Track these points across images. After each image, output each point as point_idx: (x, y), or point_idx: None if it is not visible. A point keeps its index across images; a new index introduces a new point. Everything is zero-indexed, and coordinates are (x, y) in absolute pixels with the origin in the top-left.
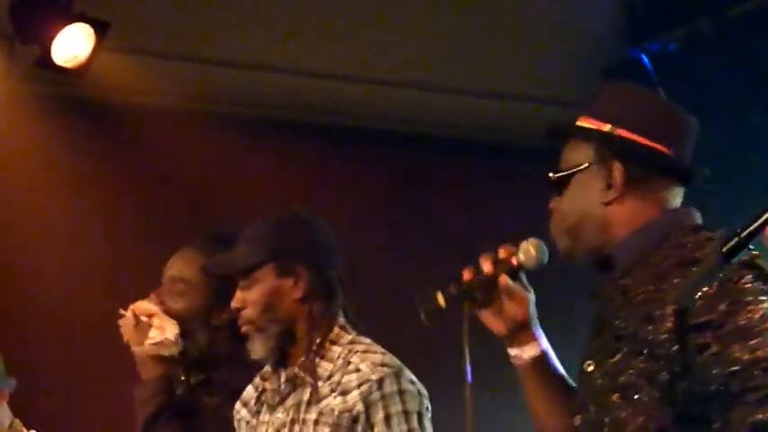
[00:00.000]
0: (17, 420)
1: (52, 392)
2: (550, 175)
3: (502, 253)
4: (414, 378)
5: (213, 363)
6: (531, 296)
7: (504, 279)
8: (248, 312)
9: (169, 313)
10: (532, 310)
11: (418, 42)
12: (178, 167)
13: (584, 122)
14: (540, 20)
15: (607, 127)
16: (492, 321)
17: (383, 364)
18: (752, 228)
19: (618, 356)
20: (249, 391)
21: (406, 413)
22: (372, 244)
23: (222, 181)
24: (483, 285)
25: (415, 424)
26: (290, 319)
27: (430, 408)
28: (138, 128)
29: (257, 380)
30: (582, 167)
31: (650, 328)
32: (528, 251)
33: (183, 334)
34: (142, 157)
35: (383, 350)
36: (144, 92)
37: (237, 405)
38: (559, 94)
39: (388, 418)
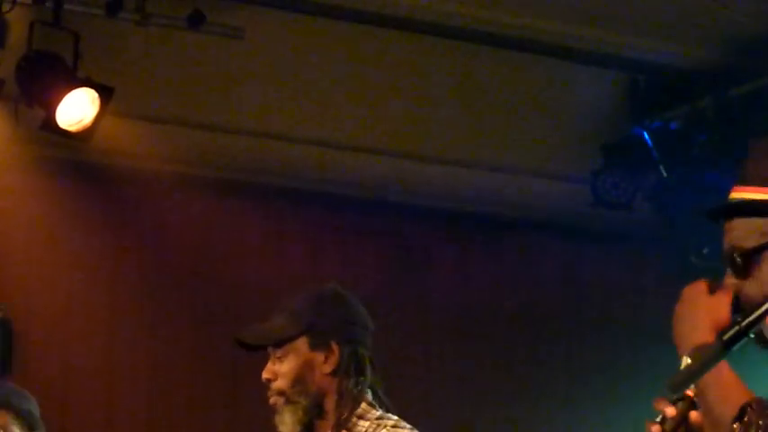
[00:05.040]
0: None
1: None
2: (733, 256)
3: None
4: None
5: None
6: None
7: (695, 414)
8: (279, 384)
9: None
10: None
11: (417, 114)
12: (178, 232)
13: (753, 193)
14: (541, 95)
15: None
16: None
17: None
18: (752, 317)
19: None
20: None
21: None
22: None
23: (222, 247)
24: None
25: None
26: (320, 392)
27: None
28: (140, 192)
29: None
30: None
31: None
32: None
33: None
34: (143, 221)
35: (410, 427)
36: (146, 156)
37: None
38: (561, 169)
39: None
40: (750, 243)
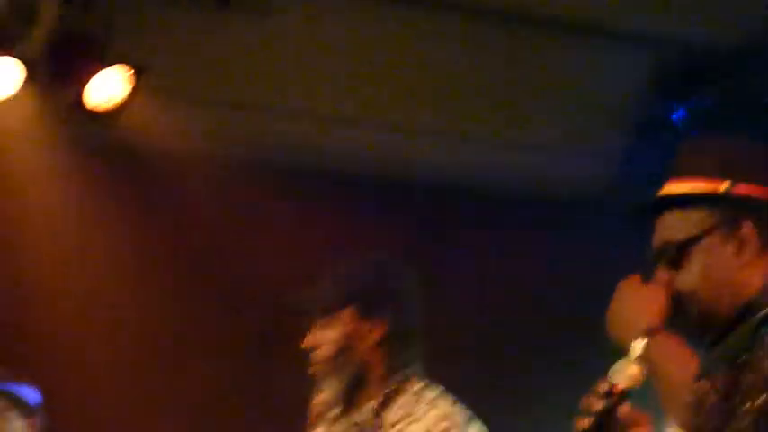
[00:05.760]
0: None
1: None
2: (665, 249)
3: (603, 386)
4: (482, 428)
5: None
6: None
7: (625, 409)
8: (322, 353)
9: None
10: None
11: (445, 92)
12: (207, 211)
13: (685, 186)
14: (571, 73)
15: (723, 185)
16: None
17: (449, 416)
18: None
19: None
20: None
21: None
22: None
23: (249, 226)
24: (605, 427)
25: None
26: (363, 363)
27: None
28: (169, 171)
29: (325, 425)
30: (704, 234)
31: None
32: (626, 372)
33: None
34: (172, 200)
35: (452, 401)
36: (175, 136)
37: None
38: (590, 148)
39: None
40: (683, 235)
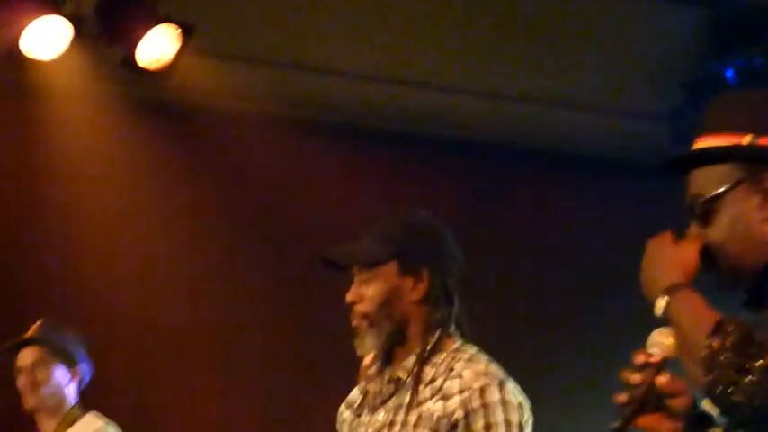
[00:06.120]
0: (79, 405)
1: (125, 393)
2: (695, 205)
3: (640, 358)
4: (517, 390)
5: None
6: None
7: (662, 380)
8: (364, 307)
9: None
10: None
11: (496, 52)
12: (256, 169)
13: (712, 141)
14: (623, 31)
15: (746, 139)
16: (665, 426)
17: (487, 373)
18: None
19: None
20: (354, 394)
21: (507, 423)
22: None
23: (298, 184)
24: (644, 399)
25: None
26: (405, 318)
27: (531, 422)
28: (218, 129)
29: (362, 382)
30: (729, 189)
31: None
32: (663, 342)
33: None
34: (221, 158)
35: (489, 359)
36: (224, 94)
37: (342, 407)
38: (641, 107)
39: (488, 427)
40: (709, 190)
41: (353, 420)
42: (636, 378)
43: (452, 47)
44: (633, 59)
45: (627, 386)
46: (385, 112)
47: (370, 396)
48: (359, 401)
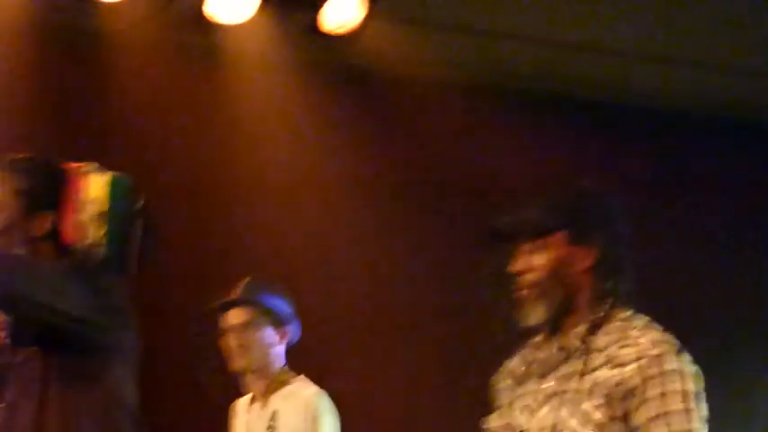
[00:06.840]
0: (288, 368)
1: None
2: None
3: None
4: (691, 359)
5: None
6: None
7: None
8: (533, 276)
9: None
10: None
11: (671, 18)
12: (439, 137)
13: None
14: None
15: None
16: None
17: (664, 341)
18: None
19: None
20: (516, 362)
21: (684, 393)
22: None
23: (480, 152)
24: None
25: (692, 404)
26: (574, 288)
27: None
28: (403, 97)
29: (526, 350)
30: None
31: None
32: None
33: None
34: (406, 126)
35: (662, 329)
36: (411, 61)
37: (498, 376)
38: None
39: (664, 396)
40: None
41: (516, 389)
42: None
43: (640, 14)
44: None
45: None
46: (573, 80)
47: (537, 363)
48: (523, 369)
